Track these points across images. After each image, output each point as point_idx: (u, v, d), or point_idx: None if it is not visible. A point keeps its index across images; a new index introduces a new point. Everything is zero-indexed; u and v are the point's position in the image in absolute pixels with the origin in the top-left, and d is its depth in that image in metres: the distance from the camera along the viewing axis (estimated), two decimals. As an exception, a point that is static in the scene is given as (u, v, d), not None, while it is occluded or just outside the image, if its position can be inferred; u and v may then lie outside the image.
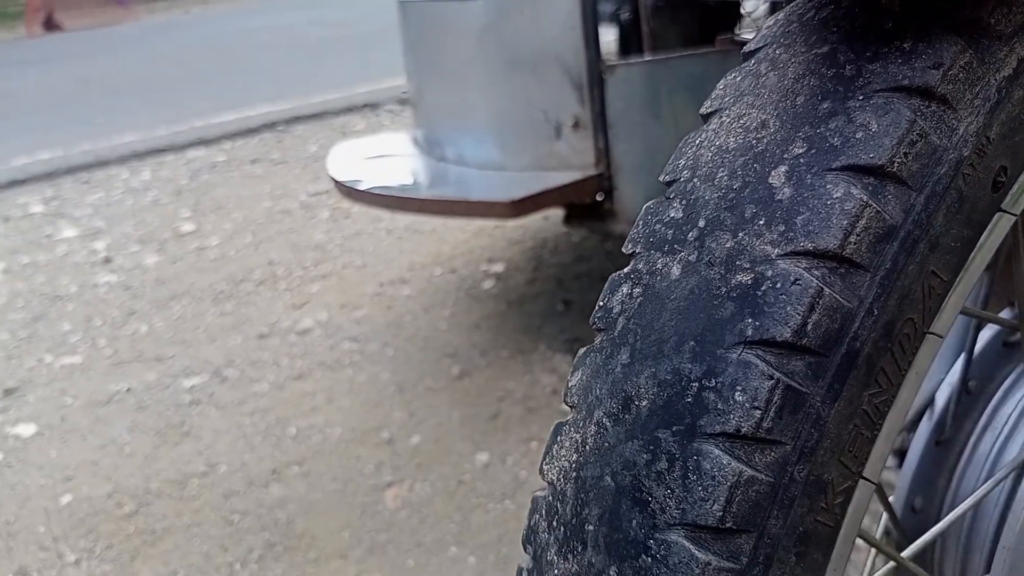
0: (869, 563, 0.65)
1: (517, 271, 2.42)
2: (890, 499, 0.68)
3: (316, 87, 5.15)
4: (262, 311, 2.42)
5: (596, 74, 1.54)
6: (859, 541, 0.46)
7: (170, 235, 3.13)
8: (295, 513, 1.58)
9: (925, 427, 0.65)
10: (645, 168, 1.54)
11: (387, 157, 1.93)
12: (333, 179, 1.88)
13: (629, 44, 2.10)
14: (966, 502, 0.56)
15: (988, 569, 0.63)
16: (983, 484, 0.64)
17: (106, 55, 8.23)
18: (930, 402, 0.66)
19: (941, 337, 0.40)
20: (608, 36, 2.12)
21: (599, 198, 1.63)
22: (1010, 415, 0.64)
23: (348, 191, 1.80)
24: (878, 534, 0.65)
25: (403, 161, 1.89)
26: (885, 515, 0.63)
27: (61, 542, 1.58)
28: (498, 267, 2.47)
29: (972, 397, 0.66)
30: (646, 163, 1.53)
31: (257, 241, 2.95)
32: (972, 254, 0.40)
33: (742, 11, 2.26)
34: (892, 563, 0.56)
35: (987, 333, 0.65)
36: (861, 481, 0.41)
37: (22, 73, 7.62)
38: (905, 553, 0.58)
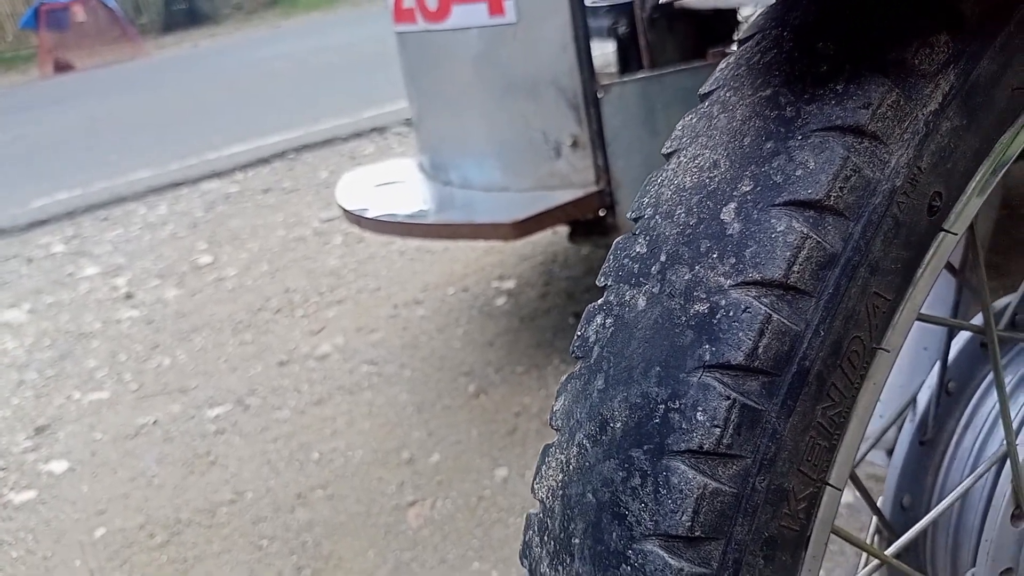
0: (862, 563, 0.68)
1: (528, 287, 2.46)
2: (880, 498, 0.71)
3: (324, 113, 5.24)
4: (281, 338, 2.47)
5: (591, 94, 1.58)
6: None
7: (188, 268, 3.20)
8: (321, 536, 1.62)
9: (908, 428, 0.68)
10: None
11: (394, 184, 1.98)
12: (342, 208, 1.93)
13: (628, 57, 2.14)
14: (944, 501, 0.59)
15: (975, 562, 0.65)
16: (967, 478, 0.67)
17: (118, 93, 8.39)
18: (912, 403, 0.69)
19: (889, 352, 0.43)
20: (607, 49, 2.15)
21: (601, 214, 1.67)
22: (989, 412, 0.67)
23: (357, 219, 1.84)
24: (869, 533, 0.68)
25: (409, 187, 1.94)
26: (874, 515, 0.66)
27: (97, 575, 1.63)
28: (509, 284, 2.51)
29: (952, 397, 0.68)
30: (645, 177, 1.57)
31: (273, 270, 3.01)
32: (918, 273, 0.44)
33: (739, 18, 2.29)
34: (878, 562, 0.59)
35: (964, 335, 0.68)
36: (827, 488, 0.44)
37: (37, 115, 7.78)
38: (889, 551, 0.61)
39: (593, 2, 2.12)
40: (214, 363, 2.40)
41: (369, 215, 1.79)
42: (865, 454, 0.69)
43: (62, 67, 11.85)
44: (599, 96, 1.59)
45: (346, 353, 2.30)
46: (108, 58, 11.96)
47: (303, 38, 10.39)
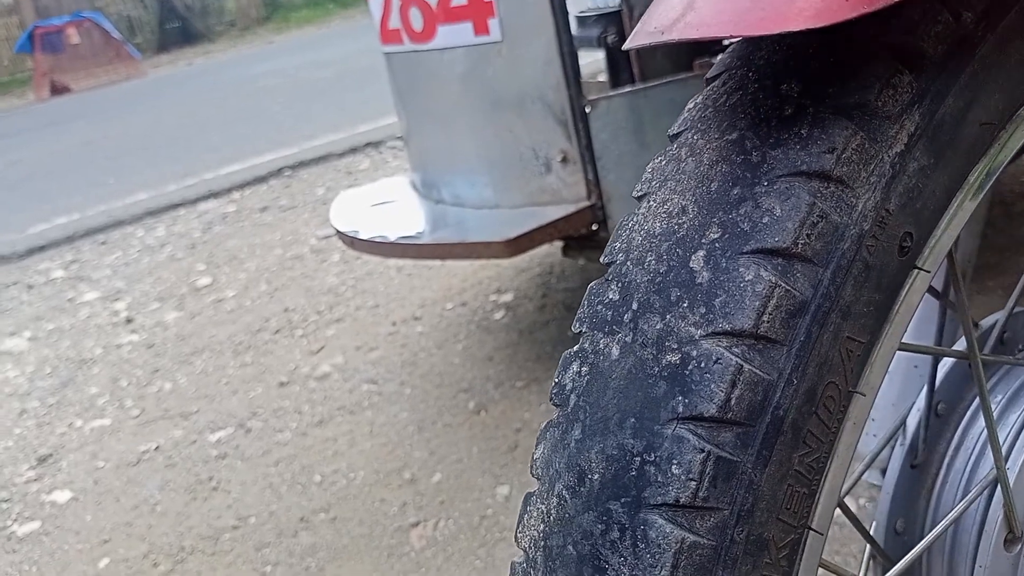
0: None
1: (526, 299, 2.46)
2: (873, 523, 0.71)
3: (319, 129, 5.25)
4: (281, 359, 2.47)
5: (579, 109, 1.58)
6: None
7: (187, 290, 3.20)
8: (324, 560, 1.62)
9: (899, 451, 0.68)
10: (635, 195, 1.57)
11: (386, 204, 1.98)
12: (336, 230, 1.93)
13: (618, 67, 2.14)
14: (937, 528, 0.59)
15: (970, 586, 0.65)
16: (959, 503, 0.66)
17: (115, 114, 8.41)
18: (902, 427, 0.68)
19: (865, 395, 0.42)
20: (597, 56, 2.15)
21: (594, 228, 1.67)
22: (979, 434, 0.67)
23: (350, 241, 1.85)
24: (864, 562, 0.68)
25: (401, 206, 1.94)
26: (868, 544, 0.65)
27: (101, 606, 1.63)
28: (507, 297, 2.50)
29: (942, 420, 0.68)
30: (636, 191, 1.56)
31: (272, 289, 3.01)
32: (893, 312, 0.43)
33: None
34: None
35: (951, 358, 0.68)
36: (810, 532, 0.44)
37: (34, 139, 7.80)
38: (882, 580, 0.61)
39: (582, 12, 2.12)
40: (215, 386, 2.40)
41: (362, 236, 1.79)
42: (857, 479, 0.69)
43: (58, 89, 11.90)
44: (587, 111, 1.59)
45: (346, 372, 2.29)
46: (104, 79, 12.00)
47: (296, 53, 10.42)
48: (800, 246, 0.40)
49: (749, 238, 0.40)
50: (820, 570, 0.50)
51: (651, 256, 0.44)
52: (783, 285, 0.39)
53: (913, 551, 0.61)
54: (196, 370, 2.53)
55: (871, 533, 0.68)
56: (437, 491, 1.73)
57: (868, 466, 0.71)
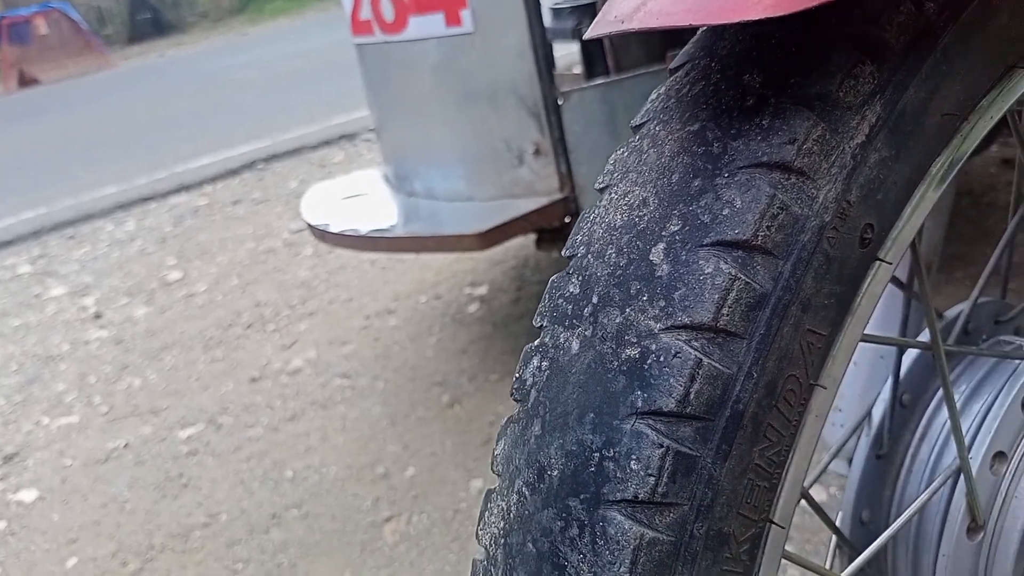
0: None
1: (501, 292, 2.45)
2: (839, 514, 0.71)
3: (293, 121, 5.20)
4: (252, 354, 2.44)
5: (551, 101, 1.57)
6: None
7: (157, 284, 3.16)
8: (296, 556, 1.60)
9: (864, 442, 0.68)
10: (608, 188, 1.56)
11: (359, 196, 1.96)
12: (307, 223, 1.92)
13: (593, 59, 2.13)
14: (900, 518, 0.59)
15: (934, 576, 0.65)
16: (923, 492, 0.66)
17: (84, 106, 8.28)
18: (867, 417, 0.68)
19: (826, 388, 0.42)
20: (571, 49, 2.14)
21: (567, 220, 1.66)
22: (944, 424, 0.67)
23: (321, 234, 1.83)
24: (829, 552, 0.68)
25: (374, 199, 1.93)
26: (833, 534, 0.65)
27: (68, 606, 1.60)
28: (482, 290, 2.49)
29: (907, 410, 0.68)
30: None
31: (243, 284, 2.97)
32: (855, 304, 0.43)
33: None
34: (834, 582, 0.58)
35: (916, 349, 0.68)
36: (771, 526, 0.43)
37: (1, 131, 7.66)
38: (849, 570, 0.61)
39: (557, 4, 2.11)
40: (185, 382, 2.37)
41: (333, 230, 1.77)
42: (823, 470, 0.69)
43: (27, 81, 11.70)
44: (559, 103, 1.59)
45: (318, 367, 2.27)
46: (73, 70, 11.82)
47: (270, 45, 10.32)
48: (760, 238, 0.39)
49: (709, 230, 0.40)
50: (784, 561, 0.50)
51: (612, 249, 0.43)
52: (743, 278, 0.39)
53: (877, 541, 0.61)
54: (166, 366, 2.50)
55: (837, 523, 0.68)
56: (410, 485, 1.72)
57: (834, 456, 0.71)
